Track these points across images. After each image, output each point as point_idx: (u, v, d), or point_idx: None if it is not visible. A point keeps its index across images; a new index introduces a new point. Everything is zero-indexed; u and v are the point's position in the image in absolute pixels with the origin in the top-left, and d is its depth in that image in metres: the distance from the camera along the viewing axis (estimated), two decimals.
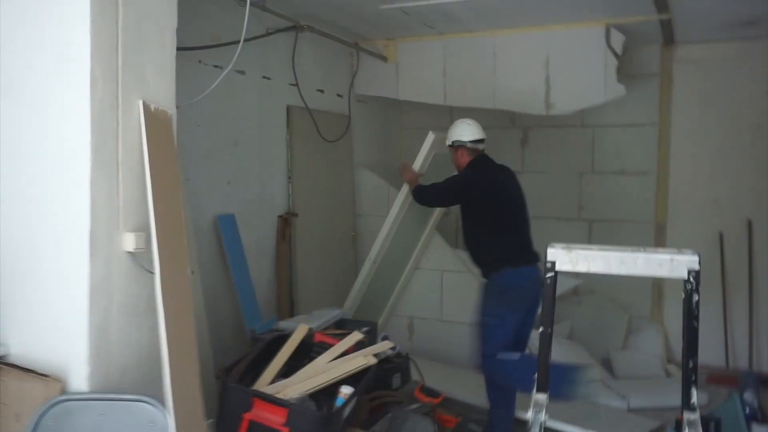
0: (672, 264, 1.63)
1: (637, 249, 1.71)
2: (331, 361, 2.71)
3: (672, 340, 5.28)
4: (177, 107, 2.47)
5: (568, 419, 3.85)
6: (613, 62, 4.58)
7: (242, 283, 3.99)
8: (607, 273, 1.77)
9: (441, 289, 5.07)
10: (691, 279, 1.62)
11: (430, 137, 4.47)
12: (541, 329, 1.79)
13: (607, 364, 4.99)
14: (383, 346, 2.85)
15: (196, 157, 3.79)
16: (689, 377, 1.65)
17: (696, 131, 5.17)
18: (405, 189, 4.40)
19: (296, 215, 4.59)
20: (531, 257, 3.63)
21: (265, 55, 4.32)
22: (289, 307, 4.53)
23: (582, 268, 1.76)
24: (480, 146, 3.88)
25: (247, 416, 2.23)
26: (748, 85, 4.98)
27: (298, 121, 4.64)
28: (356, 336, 2.87)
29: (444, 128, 6.09)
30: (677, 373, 4.91)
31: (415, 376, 4.04)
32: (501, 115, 5.75)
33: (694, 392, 1.67)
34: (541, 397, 1.77)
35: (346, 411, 2.44)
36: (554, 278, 1.80)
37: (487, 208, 3.70)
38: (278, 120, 4.52)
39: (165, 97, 2.33)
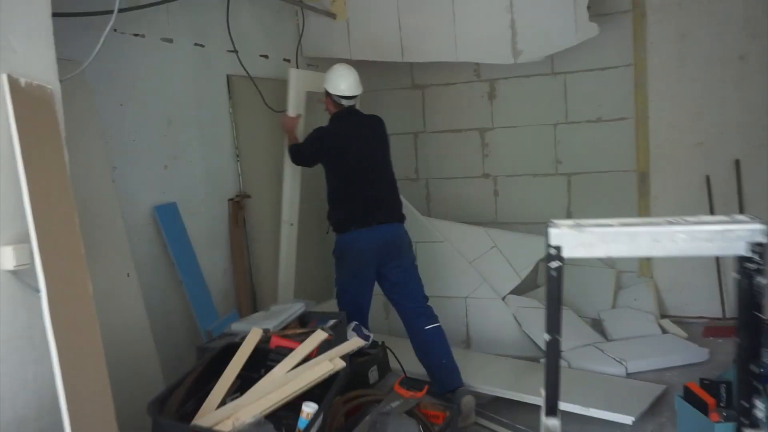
0: (725, 238, 1.20)
1: (675, 220, 1.26)
2: (292, 369, 2.29)
3: (663, 293, 4.97)
4: (61, 81, 1.97)
5: (564, 394, 3.52)
6: None
7: (191, 279, 3.54)
8: (635, 256, 1.35)
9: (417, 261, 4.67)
10: (755, 256, 1.19)
11: (292, 74, 4.13)
12: (546, 336, 1.38)
13: (598, 326, 4.67)
14: (352, 345, 2.44)
15: (124, 141, 3.31)
16: (750, 386, 1.24)
17: (675, 70, 4.78)
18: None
19: (249, 197, 4.13)
20: (384, 216, 3.54)
21: (195, 19, 3.81)
22: (250, 299, 4.10)
23: (599, 252, 1.34)
24: (346, 102, 3.70)
25: None
26: (729, 14, 4.58)
27: (242, 91, 4.15)
28: (320, 335, 2.45)
29: (404, 88, 5.71)
30: (672, 328, 4.62)
31: (394, 365, 3.68)
32: (465, 68, 5.32)
33: (759, 405, 1.26)
34: (553, 423, 1.37)
35: None
36: (560, 270, 1.38)
37: (336, 166, 3.60)
38: (218, 92, 4.02)
39: (41, 69, 1.85)
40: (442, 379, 3.50)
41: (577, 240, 1.31)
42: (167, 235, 3.42)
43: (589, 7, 4.19)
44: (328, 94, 3.72)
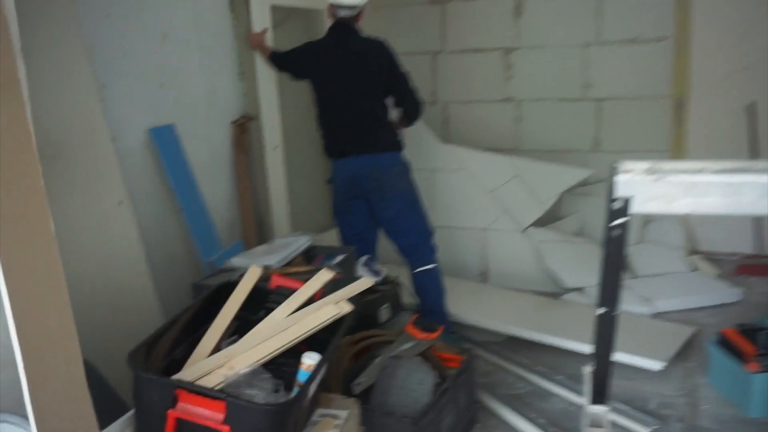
0: None
1: None
2: (293, 313, 2.07)
3: (694, 227, 4.68)
4: None
5: (584, 334, 3.31)
6: None
7: (192, 207, 3.30)
8: (734, 214, 1.03)
9: (434, 190, 4.41)
10: None
11: None
12: (599, 310, 1.11)
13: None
14: (360, 286, 2.21)
15: (113, 58, 2.99)
16: None
17: None
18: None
19: (253, 119, 3.83)
20: (355, 147, 3.33)
21: None
22: (255, 229, 3.87)
23: (683, 207, 1.03)
24: (340, 12, 3.39)
25: (173, 413, 1.62)
26: None
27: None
28: (325, 275, 2.21)
29: (421, 3, 5.27)
30: (703, 266, 4.36)
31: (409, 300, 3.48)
32: None
33: None
34: (599, 412, 1.12)
35: (312, 388, 1.83)
36: (625, 228, 1.09)
37: (314, 85, 3.44)
38: (220, 3, 3.65)
39: None
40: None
41: (654, 191, 1.01)
42: (164, 160, 3.16)
43: None
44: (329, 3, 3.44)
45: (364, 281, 2.23)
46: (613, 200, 1.05)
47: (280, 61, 3.64)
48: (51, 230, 1.42)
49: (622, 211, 1.04)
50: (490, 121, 5.18)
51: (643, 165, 1.05)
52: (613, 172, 1.09)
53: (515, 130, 5.13)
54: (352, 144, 3.34)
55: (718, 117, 4.50)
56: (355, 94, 3.36)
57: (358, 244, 3.31)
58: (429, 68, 5.30)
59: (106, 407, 1.79)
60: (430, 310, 3.41)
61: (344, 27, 3.42)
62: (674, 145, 4.65)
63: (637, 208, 1.05)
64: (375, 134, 3.37)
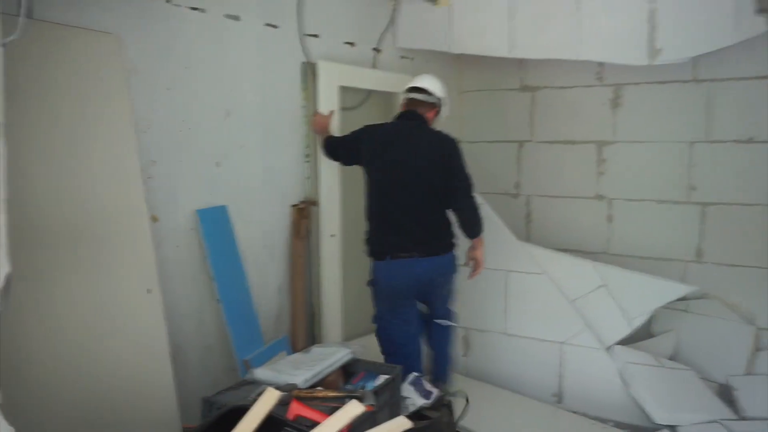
0: None
1: None
2: None
3: None
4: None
5: None
6: None
7: (234, 297, 3.03)
8: None
9: (508, 294, 3.97)
10: None
11: (320, 67, 3.52)
12: None
13: (726, 395, 3.76)
14: (396, 427, 1.81)
15: (168, 132, 2.83)
16: None
17: None
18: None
19: (315, 203, 3.57)
20: (419, 247, 3.04)
21: None
22: (307, 322, 3.55)
23: None
24: (412, 95, 3.25)
25: None
26: None
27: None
28: (354, 409, 1.82)
29: (511, 89, 4.98)
30: None
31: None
32: (586, 68, 4.52)
33: None
34: None
35: None
36: None
37: (369, 173, 3.17)
38: (290, 81, 3.49)
39: None
40: (434, 369, 3.48)
41: None
42: (208, 244, 2.92)
43: None
44: (410, 96, 3.32)
45: (400, 422, 1.83)
46: None
47: (335, 144, 3.38)
48: None
49: None
50: (577, 219, 4.72)
51: None
52: None
53: (605, 232, 4.63)
54: (413, 242, 3.05)
55: None
56: (417, 189, 3.08)
57: (406, 352, 3.09)
58: (514, 158, 4.95)
59: None
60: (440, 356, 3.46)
61: (413, 114, 3.20)
62: None
63: None
64: (438, 233, 3.13)
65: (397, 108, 3.42)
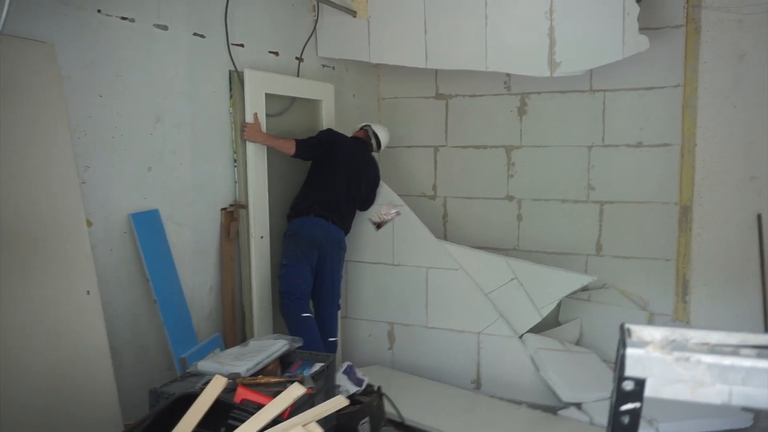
0: None
1: None
2: None
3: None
4: None
5: None
6: (635, 8, 3.68)
7: (168, 297, 3.12)
8: None
9: (427, 289, 4.23)
10: None
11: (247, 75, 3.69)
12: None
13: None
14: (334, 405, 2.00)
15: (101, 138, 2.90)
16: None
17: (729, 94, 4.29)
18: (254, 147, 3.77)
19: (244, 206, 3.71)
20: (331, 216, 3.86)
21: (195, 5, 3.41)
22: (238, 321, 3.68)
23: (716, 396, 0.81)
24: (372, 140, 4.34)
25: None
26: None
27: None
28: (295, 391, 2.00)
29: (426, 97, 5.26)
30: None
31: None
32: (495, 78, 4.88)
33: None
34: None
35: None
36: (636, 415, 0.89)
37: (329, 159, 3.96)
38: (218, 89, 3.60)
39: None
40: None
41: (675, 373, 0.82)
42: (143, 247, 3.00)
43: (639, 19, 3.72)
44: (371, 135, 4.34)
45: (338, 400, 2.02)
46: (623, 379, 0.86)
47: (309, 144, 3.91)
48: None
49: (634, 395, 0.85)
50: (489, 218, 5.07)
51: (659, 332, 0.87)
52: (622, 336, 0.91)
53: (515, 229, 5.00)
54: (330, 212, 3.86)
55: (725, 226, 4.36)
56: (352, 187, 4.02)
57: (294, 289, 3.65)
58: (431, 162, 5.25)
59: None
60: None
61: (365, 143, 4.30)
62: (681, 252, 4.50)
63: (652, 392, 0.85)
64: (346, 219, 4.02)
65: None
